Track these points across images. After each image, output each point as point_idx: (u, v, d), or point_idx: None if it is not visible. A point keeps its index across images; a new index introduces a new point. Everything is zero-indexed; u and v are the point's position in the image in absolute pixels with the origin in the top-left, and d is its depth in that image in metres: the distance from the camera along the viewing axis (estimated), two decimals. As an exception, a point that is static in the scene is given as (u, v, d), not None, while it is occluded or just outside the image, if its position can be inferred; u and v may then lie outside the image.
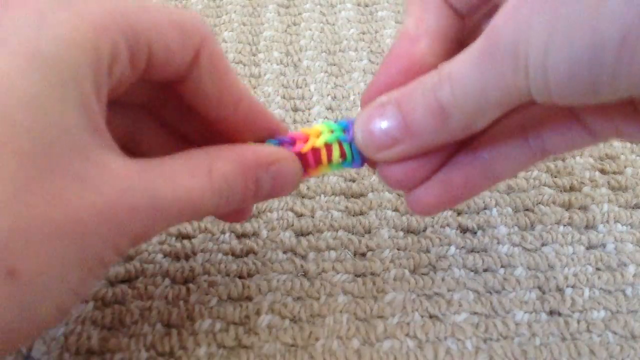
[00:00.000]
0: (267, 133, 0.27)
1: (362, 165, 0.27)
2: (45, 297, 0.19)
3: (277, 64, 0.46)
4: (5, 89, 0.18)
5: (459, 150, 0.26)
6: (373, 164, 0.27)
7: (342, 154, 0.27)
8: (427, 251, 0.33)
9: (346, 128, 0.26)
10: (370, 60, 0.46)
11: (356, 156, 0.27)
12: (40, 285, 0.19)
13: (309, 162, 0.27)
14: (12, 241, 0.18)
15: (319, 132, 0.27)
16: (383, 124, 0.24)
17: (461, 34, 0.26)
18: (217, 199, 0.23)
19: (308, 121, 0.41)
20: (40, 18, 0.19)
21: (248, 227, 0.34)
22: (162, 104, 0.27)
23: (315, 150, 0.26)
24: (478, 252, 0.33)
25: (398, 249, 0.33)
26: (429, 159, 0.25)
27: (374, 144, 0.25)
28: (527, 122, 0.26)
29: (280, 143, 0.27)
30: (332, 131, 0.26)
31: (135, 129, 0.27)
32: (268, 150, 0.26)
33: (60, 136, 0.19)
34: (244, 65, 0.46)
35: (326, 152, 0.27)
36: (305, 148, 0.26)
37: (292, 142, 0.27)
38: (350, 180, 0.37)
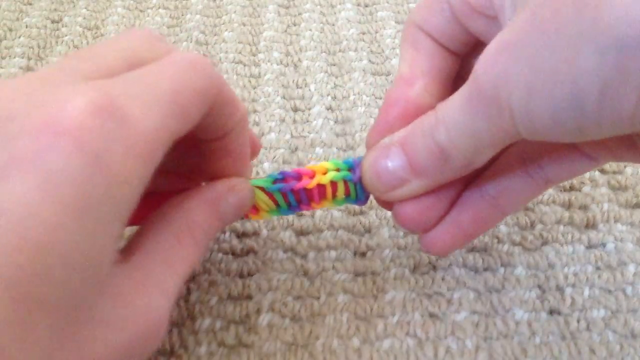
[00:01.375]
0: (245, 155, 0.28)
1: (365, 202, 0.28)
2: None
3: (277, 64, 0.46)
4: (49, 244, 0.17)
5: (466, 188, 0.27)
6: (388, 206, 0.28)
7: (347, 192, 0.28)
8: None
9: (352, 167, 0.27)
10: (370, 61, 0.46)
11: (360, 195, 0.28)
12: None
13: (314, 197, 0.28)
14: None
15: (326, 169, 0.27)
16: (389, 166, 0.25)
17: (462, 72, 0.27)
18: (203, 253, 0.25)
19: (308, 121, 0.41)
20: (94, 161, 0.18)
21: (248, 226, 0.34)
22: None
23: (321, 187, 0.27)
24: (478, 251, 0.33)
25: (398, 249, 0.33)
26: (440, 198, 0.26)
27: (382, 185, 0.26)
28: (526, 155, 0.26)
29: (285, 178, 0.28)
30: (338, 169, 0.27)
31: None
32: (221, 182, 0.27)
33: (92, 285, 0.19)
34: (244, 65, 0.46)
35: (331, 190, 0.28)
36: (311, 184, 0.27)
37: (298, 177, 0.28)
38: (350, 180, 0.37)
